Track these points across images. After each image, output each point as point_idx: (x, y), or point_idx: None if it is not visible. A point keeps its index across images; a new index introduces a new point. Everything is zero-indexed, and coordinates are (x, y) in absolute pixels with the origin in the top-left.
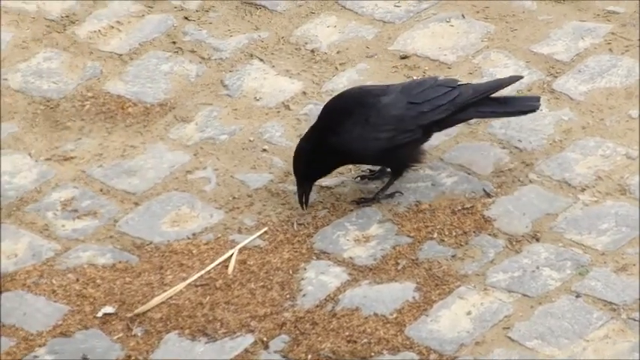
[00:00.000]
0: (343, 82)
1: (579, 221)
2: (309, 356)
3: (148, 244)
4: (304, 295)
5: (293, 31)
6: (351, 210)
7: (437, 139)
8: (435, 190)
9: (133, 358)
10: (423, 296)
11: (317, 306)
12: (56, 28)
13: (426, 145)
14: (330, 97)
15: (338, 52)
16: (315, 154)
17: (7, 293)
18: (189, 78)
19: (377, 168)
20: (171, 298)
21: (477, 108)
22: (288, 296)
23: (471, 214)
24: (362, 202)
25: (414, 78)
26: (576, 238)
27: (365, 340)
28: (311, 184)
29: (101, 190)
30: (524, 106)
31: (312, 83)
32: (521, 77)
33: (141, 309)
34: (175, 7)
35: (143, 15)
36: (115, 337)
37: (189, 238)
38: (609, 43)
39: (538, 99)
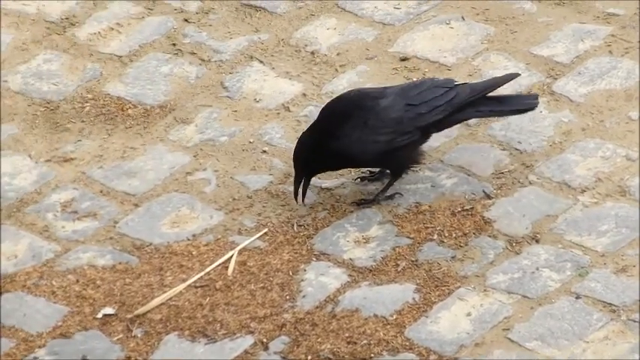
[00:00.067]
0: (343, 84)
1: (579, 223)
2: (309, 357)
3: (147, 246)
4: (304, 297)
5: (293, 33)
6: (351, 211)
7: (437, 140)
8: (434, 192)
9: (132, 359)
10: (422, 297)
11: (317, 307)
12: (56, 29)
13: (426, 147)
14: (329, 99)
15: (338, 54)
16: (315, 155)
17: (7, 294)
18: (189, 80)
19: (377, 169)
20: (171, 299)
21: (475, 108)
22: (288, 297)
23: (470, 215)
24: (362, 203)
25: (413, 80)
26: (576, 239)
27: (365, 342)
28: (309, 178)
29: (101, 192)
30: (522, 104)
31: (312, 85)
32: (518, 75)
33: (141, 310)
34: (175, 9)
35: (143, 17)
36: (115, 338)
37: (189, 240)
38: (609, 45)
39: (536, 97)
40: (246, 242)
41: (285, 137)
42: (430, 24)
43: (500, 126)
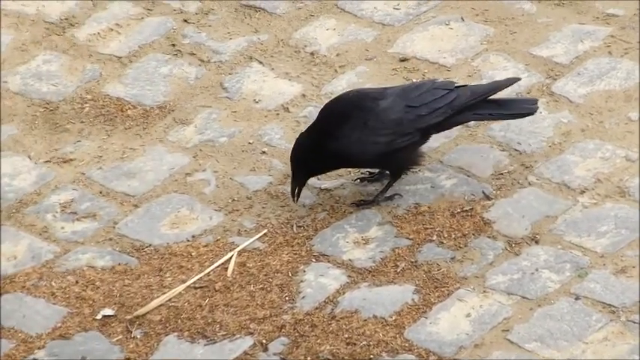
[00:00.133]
0: (342, 84)
1: (578, 223)
2: (308, 358)
3: (147, 247)
4: (303, 298)
5: (292, 33)
6: (351, 212)
7: (436, 141)
8: (434, 193)
9: None
10: (422, 298)
11: (316, 308)
12: (55, 30)
13: (426, 148)
14: (329, 100)
15: (337, 55)
16: (314, 154)
17: (7, 295)
18: (188, 80)
19: (376, 170)
20: (170, 300)
21: (475, 110)
22: (287, 298)
23: (470, 216)
24: (361, 204)
25: (413, 81)
26: (575, 240)
27: (364, 343)
28: (306, 178)
29: (100, 193)
30: (521, 108)
31: (312, 86)
32: (519, 79)
33: (140, 311)
34: (175, 10)
35: (142, 18)
36: (115, 340)
37: (188, 241)
38: (609, 46)
39: (535, 102)
40: (246, 243)
41: (284, 138)
42: (430, 25)
43: (500, 127)
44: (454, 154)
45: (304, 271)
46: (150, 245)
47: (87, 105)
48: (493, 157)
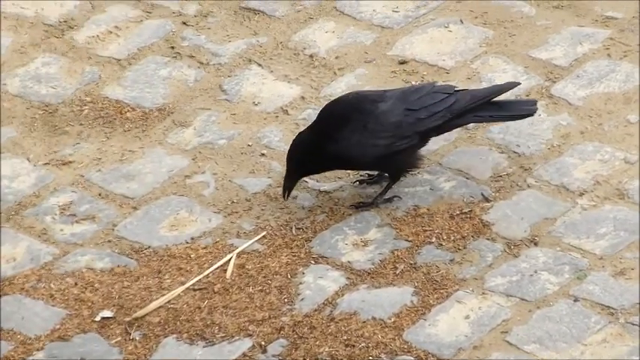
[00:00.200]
0: (342, 87)
1: (577, 226)
2: None
3: (146, 249)
4: (302, 300)
5: (291, 36)
6: (350, 214)
7: (435, 143)
8: (433, 195)
9: None
10: (421, 300)
11: (315, 310)
12: (54, 33)
13: (425, 150)
14: (328, 102)
15: (336, 58)
16: (312, 155)
17: (6, 297)
18: (187, 83)
19: (375, 172)
20: (169, 302)
21: (474, 113)
22: (286, 300)
23: (469, 218)
24: (360, 206)
25: (413, 83)
26: (574, 242)
27: (363, 345)
28: (300, 178)
29: (99, 195)
30: (521, 110)
31: (311, 88)
32: (519, 84)
33: (139, 313)
34: (174, 13)
35: (141, 20)
36: (113, 341)
37: (187, 243)
38: (608, 49)
39: (535, 103)
40: (245, 245)
41: (283, 140)
42: (429, 27)
43: (499, 129)
44: (453, 157)
45: (303, 273)
46: (149, 247)
47: (86, 107)
48: (492, 159)
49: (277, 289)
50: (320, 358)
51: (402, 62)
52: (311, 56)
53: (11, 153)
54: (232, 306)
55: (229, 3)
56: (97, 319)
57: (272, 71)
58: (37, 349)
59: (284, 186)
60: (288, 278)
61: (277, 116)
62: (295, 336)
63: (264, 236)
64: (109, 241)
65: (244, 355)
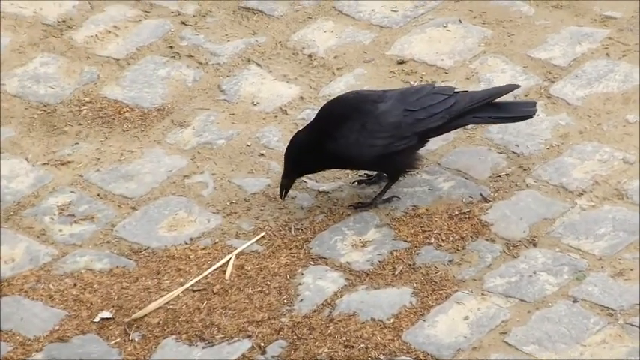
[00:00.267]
0: (340, 86)
1: (576, 226)
2: None
3: (145, 249)
4: (301, 300)
5: (290, 36)
6: (349, 215)
7: (434, 143)
8: (432, 195)
9: None
10: (420, 301)
11: (314, 311)
12: (53, 32)
13: (423, 150)
14: (327, 101)
15: (335, 57)
16: (311, 154)
17: (5, 298)
18: (186, 83)
19: (374, 173)
20: (168, 302)
21: (474, 114)
22: (285, 301)
23: (468, 218)
24: (359, 206)
25: (412, 84)
26: (573, 243)
27: (362, 345)
28: (298, 177)
29: (98, 195)
30: (520, 111)
31: (310, 88)
32: (518, 86)
33: (138, 314)
34: (172, 12)
35: (140, 20)
36: (113, 342)
37: (186, 243)
38: (606, 48)
39: (534, 104)
40: (244, 246)
41: (282, 140)
42: (427, 27)
43: (498, 129)
44: (452, 157)
45: (302, 274)
46: (148, 248)
47: (85, 107)
48: (491, 159)
49: (276, 290)
50: (319, 358)
51: (401, 62)
52: (310, 56)
53: (10, 153)
54: (231, 307)
55: (228, 3)
56: (96, 319)
57: (271, 71)
58: (37, 350)
59: (281, 185)
60: (287, 279)
61: (276, 116)
62: (294, 337)
63: (263, 237)
64: (108, 242)
65: (243, 355)
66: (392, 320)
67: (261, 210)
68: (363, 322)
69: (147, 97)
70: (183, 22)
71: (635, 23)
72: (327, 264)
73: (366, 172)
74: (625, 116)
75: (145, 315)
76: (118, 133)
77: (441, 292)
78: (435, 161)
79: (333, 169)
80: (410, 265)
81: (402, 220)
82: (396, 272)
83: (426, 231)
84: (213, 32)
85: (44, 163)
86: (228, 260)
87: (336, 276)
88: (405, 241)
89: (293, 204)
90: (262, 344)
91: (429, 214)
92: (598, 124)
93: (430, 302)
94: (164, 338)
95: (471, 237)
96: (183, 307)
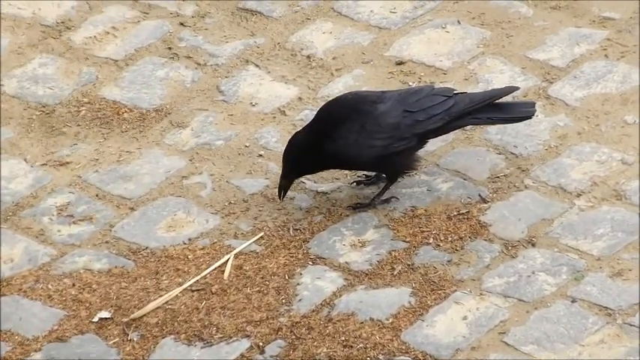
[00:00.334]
0: (339, 87)
1: (575, 226)
2: None
3: (143, 249)
4: (300, 300)
5: (289, 37)
6: (347, 215)
7: (433, 144)
8: (430, 196)
9: None
10: (418, 301)
11: (313, 311)
12: (52, 33)
13: (422, 151)
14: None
15: (334, 58)
16: (310, 155)
17: (4, 298)
18: (184, 84)
19: (373, 173)
20: (167, 303)
21: (473, 115)
22: (284, 301)
23: (466, 219)
24: (358, 207)
25: (410, 85)
26: (572, 243)
27: (361, 345)
28: (296, 177)
29: (97, 196)
30: (519, 112)
31: (308, 89)
32: (518, 88)
33: (137, 314)
34: (171, 13)
35: (139, 21)
36: (111, 342)
37: (185, 244)
38: (605, 49)
39: (533, 105)
40: (243, 246)
41: (281, 141)
42: (426, 28)
43: (496, 130)
44: (450, 158)
45: (301, 274)
46: (146, 248)
47: (83, 108)
48: (489, 160)
49: (275, 290)
50: (318, 358)
51: (400, 63)
52: (308, 57)
53: (8, 154)
54: (230, 307)
55: (227, 4)
56: (95, 319)
57: (269, 72)
58: (35, 350)
59: (279, 185)
60: (285, 279)
61: (275, 117)
62: (293, 337)
63: (261, 237)
64: (107, 242)
65: (242, 355)
66: (391, 320)
67: (260, 210)
68: (362, 322)
69: (145, 97)
70: (181, 23)
71: (633, 24)
72: (325, 264)
73: (365, 172)
74: (623, 117)
75: (144, 315)
76: (117, 134)
77: (439, 292)
78: (434, 162)
79: (331, 170)
80: (408, 265)
81: (400, 221)
82: (395, 272)
83: (424, 231)
84: (212, 33)
85: (43, 164)
86: (227, 260)
87: (335, 276)
88: (404, 241)
89: (291, 204)
90: (261, 344)
91: (428, 214)
92: (596, 124)
93: (429, 302)
94: (163, 338)
95: (470, 237)
96: (182, 307)
